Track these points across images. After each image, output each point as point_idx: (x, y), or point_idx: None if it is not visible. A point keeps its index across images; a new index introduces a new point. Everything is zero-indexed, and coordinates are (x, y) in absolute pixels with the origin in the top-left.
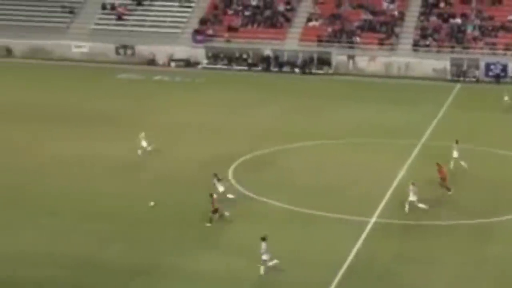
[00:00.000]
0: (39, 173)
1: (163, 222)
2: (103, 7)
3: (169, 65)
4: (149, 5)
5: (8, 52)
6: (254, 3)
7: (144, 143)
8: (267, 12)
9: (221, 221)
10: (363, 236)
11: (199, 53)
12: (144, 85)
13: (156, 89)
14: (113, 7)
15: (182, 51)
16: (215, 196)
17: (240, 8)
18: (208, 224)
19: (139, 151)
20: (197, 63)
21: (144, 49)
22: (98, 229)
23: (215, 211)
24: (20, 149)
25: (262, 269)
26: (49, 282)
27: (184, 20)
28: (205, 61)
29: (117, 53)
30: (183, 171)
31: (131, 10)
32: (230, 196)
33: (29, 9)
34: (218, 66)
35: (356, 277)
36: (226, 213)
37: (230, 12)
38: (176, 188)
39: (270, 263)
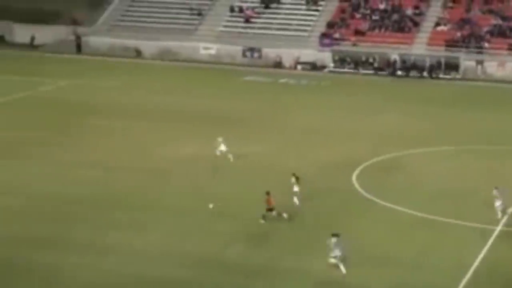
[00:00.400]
0: (164, 173)
1: (284, 225)
2: (231, 9)
3: (295, 68)
4: (277, 8)
5: (138, 53)
6: (382, 7)
7: (223, 147)
8: (395, 16)
9: (277, 220)
10: (489, 243)
11: (325, 56)
12: (270, 88)
13: (281, 92)
14: (241, 10)
15: (309, 54)
16: (272, 198)
17: (368, 12)
18: (262, 221)
19: (230, 156)
20: (323, 67)
21: (270, 52)
22: (222, 229)
23: (271, 209)
24: (147, 149)
25: (342, 268)
26: (172, 282)
27: (311, 23)
28: (331, 64)
29: (244, 55)
30: (305, 175)
31: (258, 13)
32: (296, 200)
33: (158, 11)
34: (344, 70)
35: (481, 284)
36: (284, 214)
37: (357, 16)
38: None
39: (335, 261)
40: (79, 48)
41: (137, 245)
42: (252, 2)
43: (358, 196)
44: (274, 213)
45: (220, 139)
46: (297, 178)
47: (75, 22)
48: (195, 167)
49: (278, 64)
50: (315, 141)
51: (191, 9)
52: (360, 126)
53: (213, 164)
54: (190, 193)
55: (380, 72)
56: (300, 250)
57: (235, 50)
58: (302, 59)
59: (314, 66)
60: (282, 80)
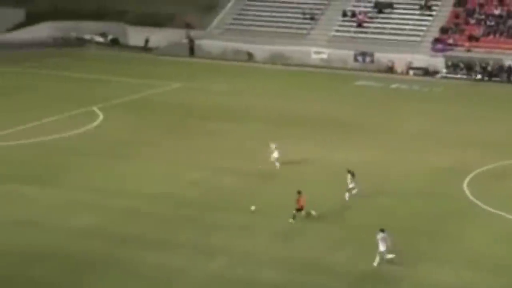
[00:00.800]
0: (272, 176)
1: (393, 231)
2: (344, 14)
3: (407, 73)
4: (390, 13)
5: (250, 56)
6: (497, 12)
7: (276, 154)
8: (510, 22)
9: (309, 220)
10: None
11: (438, 62)
12: (381, 93)
13: (392, 97)
14: (353, 15)
15: (421, 59)
16: (302, 198)
17: (483, 17)
18: (292, 221)
19: (277, 164)
20: (436, 72)
21: (382, 57)
22: (328, 232)
23: (300, 209)
24: (255, 151)
25: (376, 261)
26: (278, 286)
27: (424, 28)
28: (444, 70)
29: (356, 60)
30: (415, 180)
31: (371, 18)
32: (354, 191)
33: (271, 15)
34: (457, 76)
35: None
36: (313, 212)
37: (472, 21)
38: (407, 198)
39: (388, 256)
40: (192, 51)
41: (244, 247)
42: (365, 7)
43: (469, 203)
44: (303, 212)
45: (273, 145)
46: (353, 175)
47: (188, 26)
48: (303, 170)
49: (390, 69)
50: (425, 147)
51: (304, 13)
52: (471, 132)
53: (321, 167)
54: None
55: (494, 79)
56: (408, 257)
57: (347, 54)
58: (414, 64)
59: (426, 72)
60: (394, 85)
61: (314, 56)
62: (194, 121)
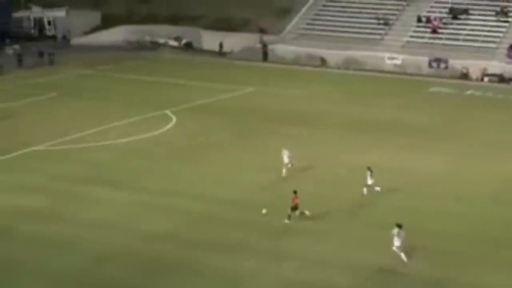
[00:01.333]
0: (345, 182)
1: (467, 238)
2: (418, 19)
3: (482, 80)
4: (465, 19)
5: (323, 62)
6: None
7: (286, 159)
8: None
9: (302, 219)
10: None
11: None
12: (455, 99)
13: (467, 103)
14: (428, 20)
15: (496, 66)
16: (297, 194)
17: None
18: (287, 221)
19: (283, 171)
20: (511, 79)
21: (457, 63)
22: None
23: (295, 208)
24: (327, 157)
25: (404, 257)
26: None
27: (500, 34)
28: None
29: (430, 66)
30: (486, 188)
31: (446, 24)
32: (377, 188)
33: (344, 20)
34: None
35: None
36: (307, 212)
37: None
38: (481, 204)
39: (401, 254)
40: (265, 56)
41: (315, 252)
42: (440, 13)
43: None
44: (297, 212)
45: (285, 151)
46: (372, 172)
47: (262, 31)
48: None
49: (465, 76)
50: (499, 155)
51: (378, 18)
52: None
53: (393, 174)
54: (369, 203)
55: None
56: (480, 265)
57: (421, 60)
58: (490, 71)
59: (501, 79)
60: (468, 92)
61: (388, 61)
62: (267, 125)
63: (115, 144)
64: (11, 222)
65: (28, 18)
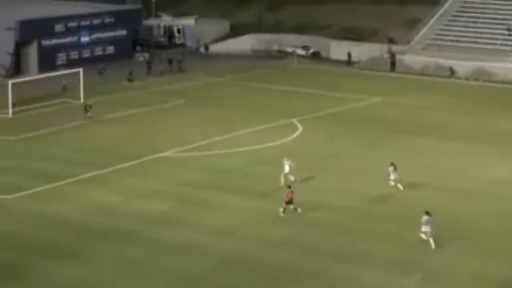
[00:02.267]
0: (470, 194)
1: None
2: None
3: None
4: None
5: (452, 72)
6: None
7: (286, 169)
8: None
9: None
10: None
11: None
12: None
13: None
14: None
15: None
16: (292, 189)
17: None
18: (282, 215)
19: (281, 179)
20: None
21: None
22: None
23: (289, 202)
24: (452, 169)
25: (432, 243)
26: None
27: None
28: None
29: None
30: None
31: None
32: (399, 186)
33: (474, 31)
34: None
35: None
36: (299, 210)
37: None
38: None
39: (429, 239)
40: (393, 66)
41: (440, 263)
42: None
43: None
44: (291, 206)
45: (287, 161)
46: (395, 168)
47: (390, 41)
48: (504, 190)
49: None
50: None
51: (509, 29)
52: None
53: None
54: (495, 215)
55: None
56: None
57: None
58: None
59: None
60: None
61: None
62: (394, 136)
63: (241, 152)
64: (138, 226)
65: (158, 26)
